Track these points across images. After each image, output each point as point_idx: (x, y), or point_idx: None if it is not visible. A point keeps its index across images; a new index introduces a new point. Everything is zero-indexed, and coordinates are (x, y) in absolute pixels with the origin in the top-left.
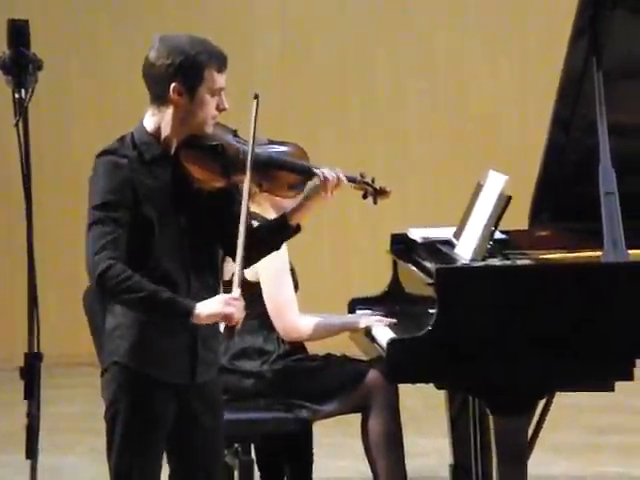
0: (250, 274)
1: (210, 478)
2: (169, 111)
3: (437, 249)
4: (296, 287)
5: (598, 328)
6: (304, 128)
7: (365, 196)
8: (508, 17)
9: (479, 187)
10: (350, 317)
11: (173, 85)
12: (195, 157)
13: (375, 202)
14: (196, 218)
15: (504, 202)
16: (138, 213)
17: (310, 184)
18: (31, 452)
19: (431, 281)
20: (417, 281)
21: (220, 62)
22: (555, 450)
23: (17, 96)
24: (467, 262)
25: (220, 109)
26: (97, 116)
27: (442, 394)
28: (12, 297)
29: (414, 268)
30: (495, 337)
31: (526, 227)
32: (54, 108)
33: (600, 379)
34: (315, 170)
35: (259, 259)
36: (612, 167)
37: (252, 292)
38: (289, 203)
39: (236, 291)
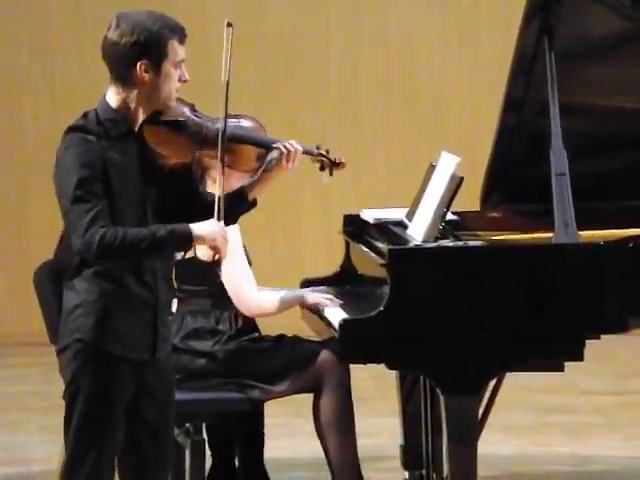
0: (202, 252)
1: (163, 453)
2: (135, 88)
3: (389, 230)
4: (249, 264)
5: (549, 308)
6: (253, 107)
7: (322, 168)
8: None
9: (431, 168)
10: (300, 291)
11: (140, 63)
12: (159, 133)
13: (331, 174)
14: (159, 194)
15: (456, 183)
16: (106, 187)
17: (270, 157)
18: None
19: (383, 262)
20: (369, 262)
21: (181, 34)
22: (504, 430)
23: None
24: (419, 243)
25: (182, 80)
26: (48, 96)
27: (393, 374)
28: None
29: (366, 249)
30: (446, 318)
31: (478, 208)
32: (4, 88)
33: (550, 359)
34: (276, 143)
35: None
36: (563, 148)
37: (205, 272)
38: (238, 182)
39: (221, 222)
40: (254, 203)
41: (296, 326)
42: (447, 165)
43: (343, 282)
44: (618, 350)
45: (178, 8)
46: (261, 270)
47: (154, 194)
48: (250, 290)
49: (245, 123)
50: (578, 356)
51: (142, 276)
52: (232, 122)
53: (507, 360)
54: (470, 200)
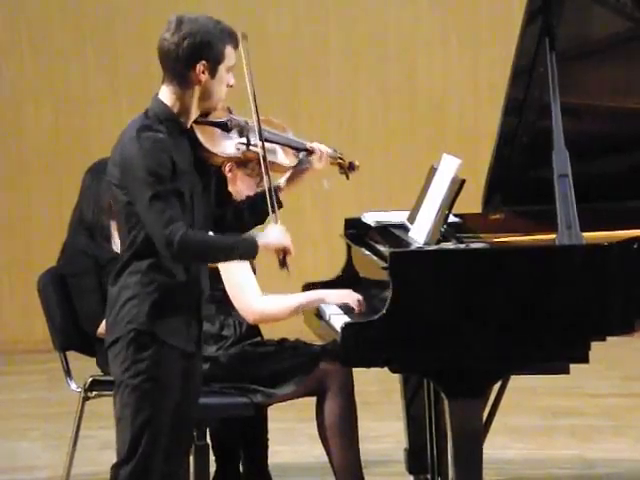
0: None
1: (185, 440)
2: (191, 89)
3: (391, 233)
4: (253, 271)
5: (553, 311)
6: (250, 109)
7: (342, 170)
8: None
9: (433, 171)
10: (316, 293)
11: (200, 64)
12: (210, 132)
13: (348, 177)
14: (205, 191)
15: (458, 185)
16: (175, 185)
17: (301, 159)
18: None
19: (385, 265)
20: (371, 265)
21: (236, 40)
22: (510, 433)
23: None
24: (421, 246)
25: (229, 85)
26: (50, 100)
27: (397, 378)
28: None
29: (368, 252)
30: (449, 321)
31: (480, 210)
32: (6, 92)
33: (555, 362)
34: (308, 144)
35: (246, 232)
36: (565, 149)
37: (210, 277)
38: (243, 184)
39: (279, 223)
40: (280, 204)
41: (298, 330)
42: (448, 167)
43: (345, 286)
44: (625, 352)
45: (179, 9)
46: (261, 274)
47: (201, 193)
48: (251, 296)
49: (275, 124)
50: (583, 358)
51: (189, 269)
52: (264, 124)
53: (511, 363)
54: (472, 202)
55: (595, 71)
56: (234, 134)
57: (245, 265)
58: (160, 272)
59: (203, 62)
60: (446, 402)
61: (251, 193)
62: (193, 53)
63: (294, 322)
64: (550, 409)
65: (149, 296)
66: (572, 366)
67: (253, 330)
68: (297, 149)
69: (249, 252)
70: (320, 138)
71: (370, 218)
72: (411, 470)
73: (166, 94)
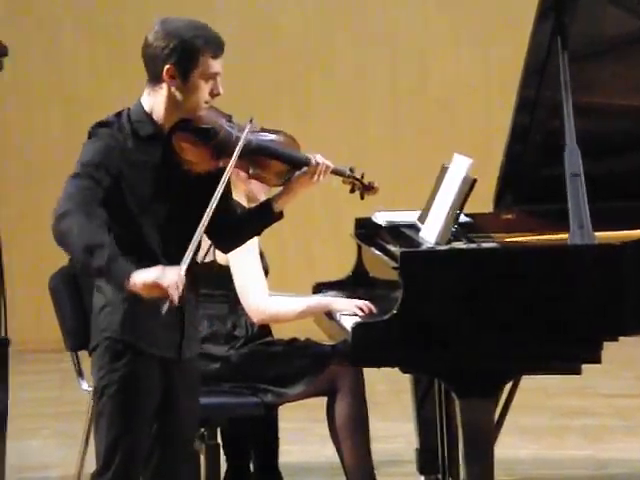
0: (221, 257)
1: (187, 453)
2: (163, 92)
3: (402, 233)
4: (266, 272)
5: (565, 311)
6: (262, 112)
7: (352, 190)
8: None
9: (444, 170)
10: (325, 299)
11: (167, 67)
12: (186, 139)
13: (362, 197)
14: (181, 200)
15: (469, 185)
16: (123, 185)
17: (299, 171)
18: (0, 437)
19: (396, 265)
20: (382, 265)
21: (216, 48)
22: (521, 433)
23: None
24: (432, 246)
25: (214, 94)
26: (60, 102)
27: (407, 378)
28: None
29: (378, 252)
30: (460, 321)
31: (491, 210)
32: (17, 94)
33: (568, 362)
34: (306, 157)
35: (240, 244)
36: (577, 148)
37: (223, 275)
38: (261, 194)
39: (182, 268)
40: (281, 215)
41: (308, 329)
42: (459, 167)
43: (355, 286)
44: (637, 352)
45: (187, 8)
46: (271, 274)
47: (179, 199)
48: (258, 296)
49: (276, 137)
50: (595, 359)
51: None
52: (264, 136)
53: (523, 363)
54: (483, 202)
55: (607, 70)
56: (213, 143)
57: (256, 265)
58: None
59: (171, 65)
60: (457, 402)
61: (265, 196)
62: (162, 55)
63: (305, 322)
64: (562, 409)
65: (122, 303)
66: (584, 366)
67: (264, 330)
68: (291, 161)
69: (118, 280)
70: (329, 138)
71: (381, 218)
72: (422, 470)
73: (145, 96)
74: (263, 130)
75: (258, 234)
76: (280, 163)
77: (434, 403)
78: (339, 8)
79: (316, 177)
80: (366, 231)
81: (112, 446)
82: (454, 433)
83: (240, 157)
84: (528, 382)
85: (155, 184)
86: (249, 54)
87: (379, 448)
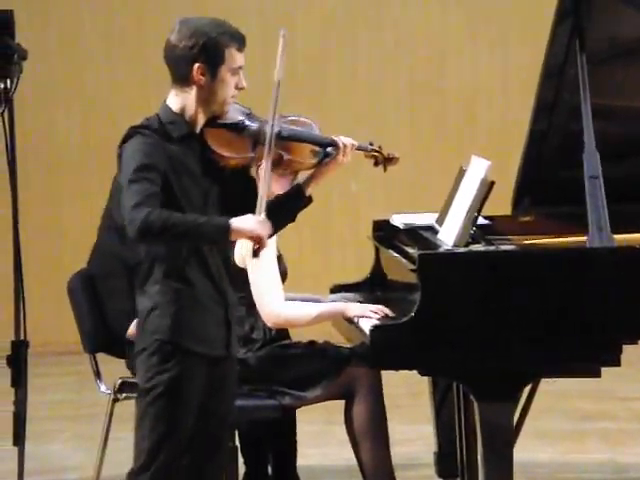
0: (238, 259)
1: (218, 457)
2: (192, 91)
3: (420, 235)
4: (285, 275)
5: (584, 313)
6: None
7: (376, 164)
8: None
9: (462, 172)
10: (340, 304)
11: (196, 66)
12: (220, 134)
13: (385, 169)
14: (219, 196)
15: (487, 187)
16: (165, 184)
17: (325, 152)
18: (19, 439)
19: (414, 267)
20: (400, 267)
21: (240, 42)
22: (540, 437)
23: (2, 86)
24: (450, 248)
25: (239, 87)
26: (79, 106)
27: (425, 381)
28: None
29: (396, 254)
30: (479, 323)
31: (509, 212)
32: (37, 97)
33: (587, 365)
34: (333, 138)
35: (276, 231)
36: (596, 151)
37: (239, 278)
38: (275, 184)
39: (262, 215)
40: (310, 199)
41: (326, 332)
42: (478, 169)
43: (373, 288)
44: None
45: (206, 9)
46: (289, 276)
47: (217, 195)
48: (273, 300)
49: (300, 122)
50: (615, 362)
51: (209, 273)
52: (290, 122)
53: (542, 366)
54: (501, 204)
55: (626, 72)
56: (246, 134)
57: (273, 269)
58: (177, 280)
59: (200, 63)
60: (476, 405)
61: None
62: (190, 54)
63: (323, 324)
64: (581, 413)
65: (170, 305)
66: (603, 369)
67: (282, 333)
68: (320, 144)
69: (218, 233)
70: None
71: (398, 220)
72: (441, 474)
73: (172, 97)
74: (284, 116)
75: (292, 220)
76: (310, 146)
77: (453, 406)
78: (358, 8)
79: (342, 157)
80: (384, 233)
81: (156, 447)
82: (473, 436)
83: (274, 145)
84: (547, 385)
85: (195, 183)
86: (267, 52)
87: (397, 451)
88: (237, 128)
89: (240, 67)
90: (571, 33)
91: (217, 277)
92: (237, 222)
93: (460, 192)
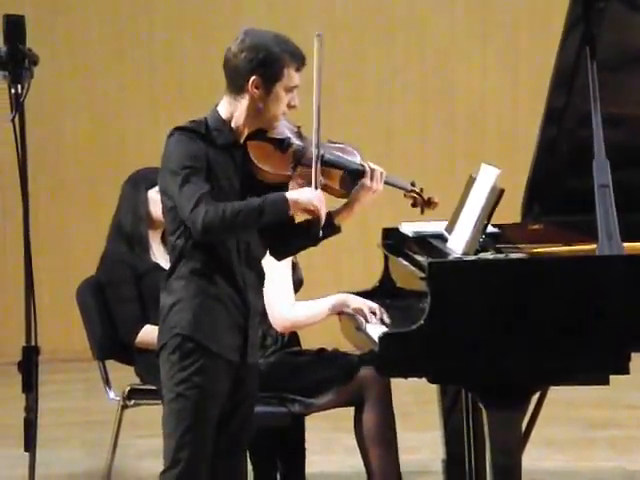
0: None
1: (240, 464)
2: (244, 102)
3: (429, 243)
4: (300, 283)
5: (593, 322)
6: (288, 118)
7: (414, 205)
8: (498, 7)
9: (471, 180)
10: (339, 296)
11: (253, 78)
12: (263, 148)
13: (422, 212)
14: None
15: (496, 195)
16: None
17: (357, 183)
18: (30, 445)
19: (423, 275)
20: (409, 275)
21: (300, 61)
22: (548, 444)
23: (13, 91)
24: (459, 256)
25: (291, 106)
26: (88, 112)
27: (433, 389)
28: (5, 292)
29: (406, 262)
30: (488, 331)
31: (519, 221)
32: (45, 106)
33: (596, 373)
34: (362, 164)
35: (294, 253)
36: (606, 159)
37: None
38: None
39: (319, 190)
40: (339, 229)
41: (336, 340)
42: (487, 177)
43: (382, 296)
44: None
45: (213, 22)
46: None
47: None
48: (284, 306)
49: (347, 151)
50: (624, 369)
51: (233, 278)
52: (331, 146)
53: (551, 374)
54: (511, 212)
55: (636, 80)
56: (288, 153)
57: (286, 278)
58: (202, 278)
59: (257, 77)
60: (485, 413)
61: None
62: (248, 66)
63: (332, 332)
64: (589, 420)
65: (192, 301)
66: (611, 377)
67: (293, 340)
68: (356, 173)
69: (279, 208)
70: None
71: (408, 228)
72: None
73: (223, 104)
74: (330, 142)
75: (315, 245)
76: (347, 175)
77: (461, 414)
78: (367, 17)
79: (373, 184)
80: (393, 241)
81: (180, 443)
82: (481, 444)
83: (310, 166)
84: (555, 393)
85: (229, 192)
86: None
87: (405, 459)
88: (281, 145)
89: (296, 86)
90: (582, 40)
91: (241, 284)
92: (294, 193)
93: (469, 200)
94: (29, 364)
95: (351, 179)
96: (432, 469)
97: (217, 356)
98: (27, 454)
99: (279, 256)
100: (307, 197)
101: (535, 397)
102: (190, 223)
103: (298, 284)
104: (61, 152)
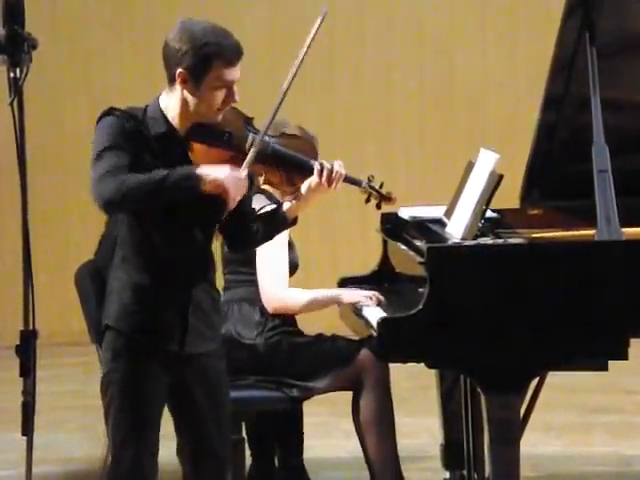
0: None
1: (217, 455)
2: (177, 94)
3: (428, 228)
4: (296, 265)
5: (591, 307)
6: (288, 105)
7: (368, 200)
8: None
9: (470, 165)
10: (335, 291)
11: (179, 71)
12: (200, 143)
13: (379, 207)
14: (193, 205)
15: (495, 180)
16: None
17: (310, 177)
18: (27, 429)
19: (422, 260)
20: (407, 260)
21: (230, 56)
22: (546, 430)
23: (12, 75)
24: (458, 241)
25: (228, 102)
26: (87, 99)
27: (431, 374)
28: (2, 276)
29: (404, 247)
30: (487, 316)
31: (517, 206)
32: (44, 91)
33: (594, 358)
34: (312, 162)
35: (253, 247)
36: (605, 144)
37: (249, 258)
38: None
39: (243, 171)
40: (294, 221)
41: (334, 325)
42: (486, 162)
43: (381, 281)
44: None
45: (217, 8)
46: (301, 268)
47: (189, 204)
48: (275, 285)
49: (296, 144)
50: (622, 355)
51: (170, 266)
52: (281, 141)
53: (550, 359)
54: (510, 197)
55: (636, 65)
56: (227, 146)
57: (282, 258)
58: (130, 266)
59: (183, 70)
60: (483, 398)
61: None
62: (176, 57)
63: (330, 318)
64: (587, 406)
65: (120, 291)
66: (610, 362)
67: (290, 318)
68: (304, 170)
69: (186, 183)
70: (356, 134)
71: (406, 213)
72: (447, 466)
73: (163, 94)
74: (284, 135)
75: (270, 239)
76: (294, 171)
77: (459, 398)
78: (365, 6)
79: (326, 182)
80: (392, 226)
81: (121, 444)
82: (479, 428)
83: (254, 162)
84: (553, 378)
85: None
86: (275, 53)
87: (404, 444)
88: (220, 139)
89: (230, 81)
90: (581, 26)
91: (179, 269)
92: (207, 169)
93: (469, 185)
94: (27, 348)
95: (303, 177)
96: (430, 453)
97: (149, 349)
98: (24, 438)
99: (236, 248)
100: (218, 176)
101: (534, 382)
102: (94, 196)
103: (294, 265)
104: (60, 135)
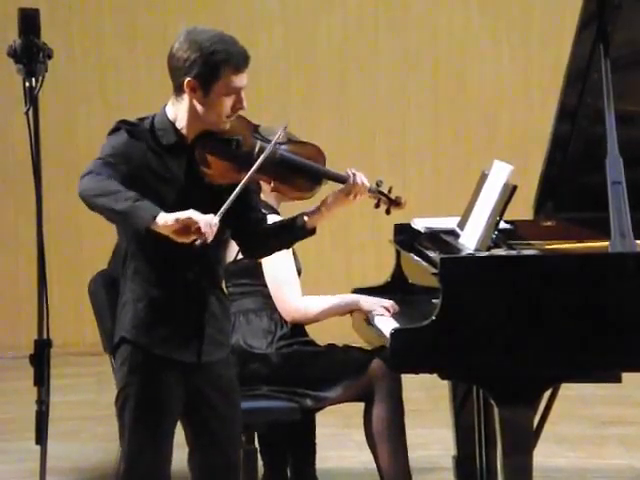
0: None
1: (229, 462)
2: (185, 103)
3: (441, 239)
4: (299, 272)
5: (605, 319)
6: (303, 118)
7: (378, 205)
8: (511, 4)
9: (484, 177)
10: (353, 296)
11: (188, 80)
12: (208, 151)
13: (388, 212)
14: (202, 212)
15: (509, 192)
16: (143, 191)
17: (336, 189)
18: (41, 438)
19: (435, 271)
20: (421, 271)
21: (238, 63)
22: (559, 442)
23: (27, 84)
24: (472, 252)
25: (236, 109)
26: (101, 107)
27: (443, 385)
28: (17, 285)
29: (418, 258)
30: (500, 327)
31: (531, 217)
32: (58, 98)
33: (608, 370)
34: (345, 173)
35: (268, 254)
36: (619, 156)
37: (255, 268)
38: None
39: (216, 218)
40: (313, 231)
41: (346, 335)
42: (500, 173)
43: (394, 291)
44: None
45: (226, 15)
46: (309, 279)
47: (202, 200)
48: (291, 295)
49: (304, 151)
50: (636, 367)
51: (184, 277)
52: (290, 147)
53: (563, 371)
54: (523, 209)
55: None
56: (234, 156)
57: (290, 266)
58: (143, 279)
59: (192, 78)
60: (496, 409)
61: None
62: (183, 67)
63: (343, 328)
64: (600, 418)
65: (135, 303)
66: (623, 375)
67: (299, 328)
68: (315, 178)
69: (140, 220)
70: (369, 149)
71: (420, 224)
72: (459, 478)
73: (169, 104)
74: (291, 141)
75: (287, 247)
76: (303, 178)
77: (472, 410)
78: (380, 15)
79: (354, 197)
80: (405, 237)
81: (137, 454)
82: (492, 440)
83: (262, 169)
84: (566, 390)
85: (176, 194)
86: (288, 58)
87: (416, 455)
88: (229, 147)
89: (238, 88)
90: (595, 38)
91: (192, 280)
92: (171, 216)
93: (482, 196)
94: (41, 357)
95: (310, 186)
96: (442, 465)
97: (165, 362)
98: (38, 447)
99: (253, 255)
100: (186, 216)
101: (547, 394)
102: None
103: (297, 273)
104: (75, 146)
